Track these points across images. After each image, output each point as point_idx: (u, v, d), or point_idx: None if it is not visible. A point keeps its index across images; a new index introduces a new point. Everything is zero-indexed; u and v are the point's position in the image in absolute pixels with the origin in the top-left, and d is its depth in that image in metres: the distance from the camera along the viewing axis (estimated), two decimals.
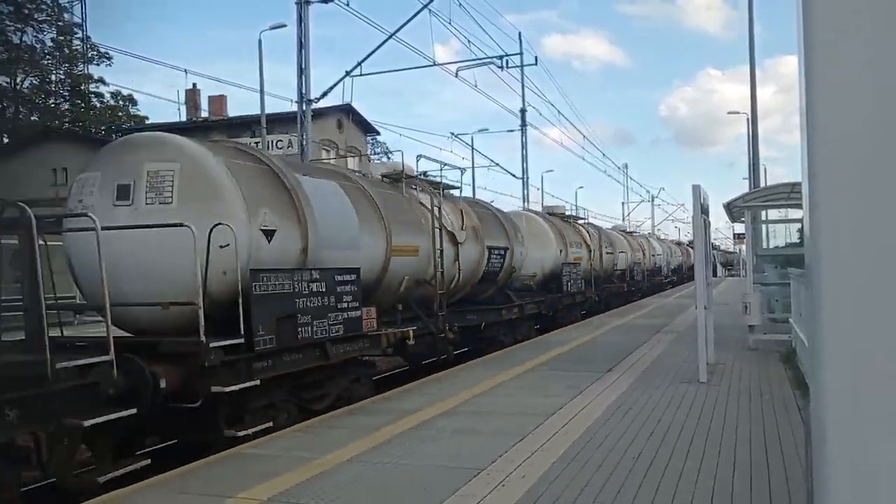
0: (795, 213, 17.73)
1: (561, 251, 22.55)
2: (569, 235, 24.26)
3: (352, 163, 41.82)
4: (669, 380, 10.64)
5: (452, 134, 43.91)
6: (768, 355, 12.91)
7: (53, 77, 41.43)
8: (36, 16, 37.54)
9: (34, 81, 40.50)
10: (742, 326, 14.78)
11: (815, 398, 1.16)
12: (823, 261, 1.13)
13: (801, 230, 19.43)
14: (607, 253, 30.02)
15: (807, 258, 1.24)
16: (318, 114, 31.07)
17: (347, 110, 38.93)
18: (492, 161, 45.78)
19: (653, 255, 45.22)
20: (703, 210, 10.95)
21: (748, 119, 30.60)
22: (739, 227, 29.16)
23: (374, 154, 58.16)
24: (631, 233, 44.45)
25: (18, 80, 38.92)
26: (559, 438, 7.29)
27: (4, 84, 37.34)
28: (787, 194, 13.87)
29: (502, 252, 17.26)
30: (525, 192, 39.14)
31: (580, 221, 29.24)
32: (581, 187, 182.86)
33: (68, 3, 38.22)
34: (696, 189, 10.64)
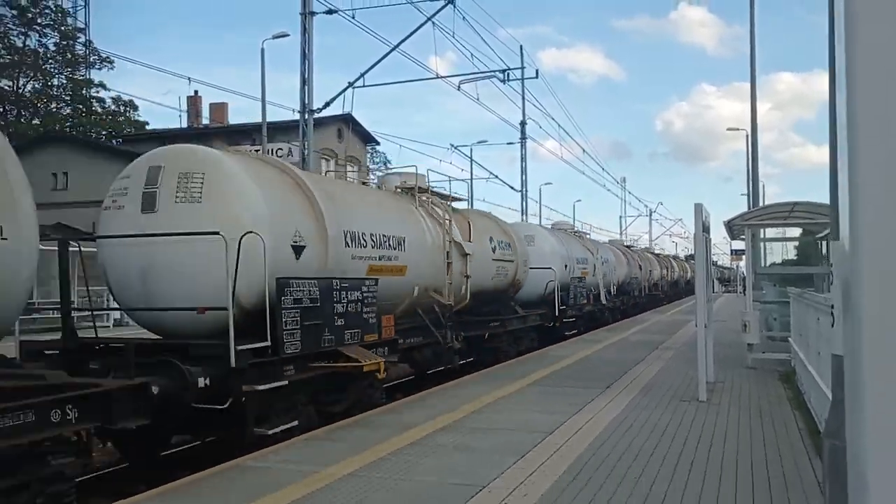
0: (793, 232, 17.81)
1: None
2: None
3: (351, 174, 41.95)
4: (669, 398, 10.64)
5: (452, 145, 43.85)
6: (767, 374, 12.92)
7: (56, 81, 41.45)
8: (39, 20, 37.60)
9: (36, 86, 40.52)
10: (740, 344, 14.80)
11: (855, 438, 1.14)
12: (866, 285, 1.11)
13: (797, 247, 19.49)
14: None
15: (840, 282, 1.23)
16: (318, 123, 31.06)
17: (347, 120, 39.00)
18: (490, 173, 45.95)
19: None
20: (704, 228, 10.98)
21: (747, 135, 30.66)
22: (736, 244, 29.44)
23: (374, 164, 58.23)
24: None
25: (21, 83, 38.93)
26: (560, 456, 7.28)
27: (7, 88, 37.35)
28: (787, 213, 13.92)
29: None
30: (524, 204, 39.18)
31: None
32: (579, 200, 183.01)
33: (72, 7, 38.31)
34: (699, 208, 10.68)
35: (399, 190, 14.31)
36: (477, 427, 8.75)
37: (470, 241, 15.30)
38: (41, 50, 38.23)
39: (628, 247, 44.32)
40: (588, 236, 31.25)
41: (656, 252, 61.66)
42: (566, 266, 22.98)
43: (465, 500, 5.87)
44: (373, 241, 11.52)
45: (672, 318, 29.72)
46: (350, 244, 10.86)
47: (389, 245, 12.05)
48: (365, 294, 10.44)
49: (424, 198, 14.53)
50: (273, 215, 9.20)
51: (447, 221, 14.32)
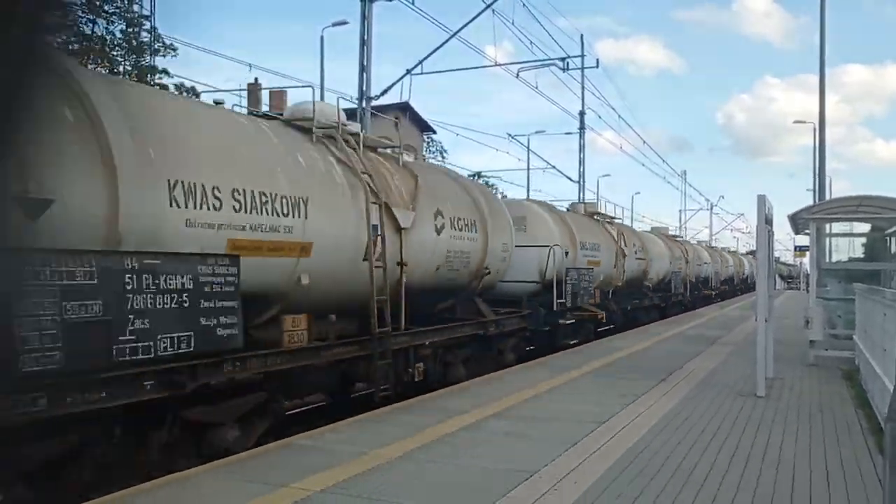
0: (861, 227, 17.21)
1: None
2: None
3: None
4: (726, 392, 10.42)
5: (509, 135, 43.55)
6: (829, 372, 12.56)
7: (122, 68, 42.45)
8: (106, 7, 38.51)
9: (103, 72, 41.56)
10: (801, 342, 14.42)
11: None
12: None
13: (864, 244, 18.82)
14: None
15: None
16: (375, 111, 31.19)
17: (404, 108, 39.02)
18: (547, 163, 45.65)
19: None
20: (767, 220, 10.70)
21: (815, 129, 29.68)
22: (800, 240, 29.48)
23: (430, 153, 58.24)
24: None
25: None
26: (611, 446, 7.20)
27: None
28: (855, 207, 13.47)
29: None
30: (581, 195, 38.70)
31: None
32: (638, 193, 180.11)
33: None
34: (762, 199, 10.40)
35: (582, 214, 22.34)
36: (529, 415, 8.72)
37: (626, 246, 23.77)
38: (108, 37, 39.17)
39: (711, 246, 47.61)
40: (685, 239, 39.59)
41: (731, 250, 62.65)
42: (671, 262, 31.13)
43: (515, 485, 5.86)
44: (590, 245, 20.07)
45: (732, 314, 29.18)
46: (582, 248, 19.21)
47: (594, 248, 20.48)
48: (589, 276, 18.64)
49: (598, 217, 23.11)
50: (559, 235, 17.75)
51: (623, 236, 23.89)
